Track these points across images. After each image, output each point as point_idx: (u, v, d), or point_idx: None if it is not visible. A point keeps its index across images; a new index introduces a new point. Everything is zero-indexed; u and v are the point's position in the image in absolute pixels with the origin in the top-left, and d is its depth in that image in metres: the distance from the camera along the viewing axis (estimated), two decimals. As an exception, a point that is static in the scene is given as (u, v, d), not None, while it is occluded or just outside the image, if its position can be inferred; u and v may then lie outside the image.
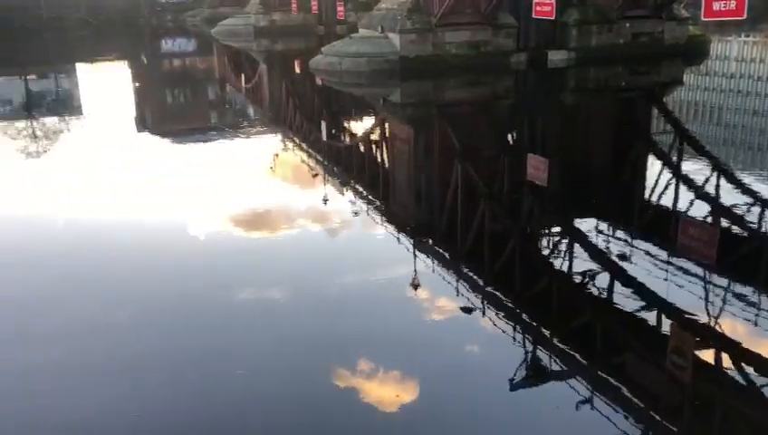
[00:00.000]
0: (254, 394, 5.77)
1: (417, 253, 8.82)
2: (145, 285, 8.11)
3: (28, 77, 32.45)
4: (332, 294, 7.85)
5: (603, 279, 8.09)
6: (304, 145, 16.68)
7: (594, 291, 7.84)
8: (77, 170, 14.09)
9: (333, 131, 18.54)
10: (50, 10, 58.62)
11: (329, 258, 9.05)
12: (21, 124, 19.95)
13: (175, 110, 24.40)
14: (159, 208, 11.27)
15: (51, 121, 20.73)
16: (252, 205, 11.25)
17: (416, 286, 7.83)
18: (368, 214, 10.93)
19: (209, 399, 5.71)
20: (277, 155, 15.46)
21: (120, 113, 21.75)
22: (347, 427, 5.38)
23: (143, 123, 20.51)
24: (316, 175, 13.85)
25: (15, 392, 5.90)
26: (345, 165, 14.63)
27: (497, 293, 7.85)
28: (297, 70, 30.97)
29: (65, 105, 24.45)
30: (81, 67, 37.07)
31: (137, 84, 30.19)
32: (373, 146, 16.24)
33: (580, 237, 9.37)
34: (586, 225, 9.85)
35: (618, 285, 7.87)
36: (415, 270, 8.22)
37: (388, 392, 5.73)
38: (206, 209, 11.05)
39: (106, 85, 29.45)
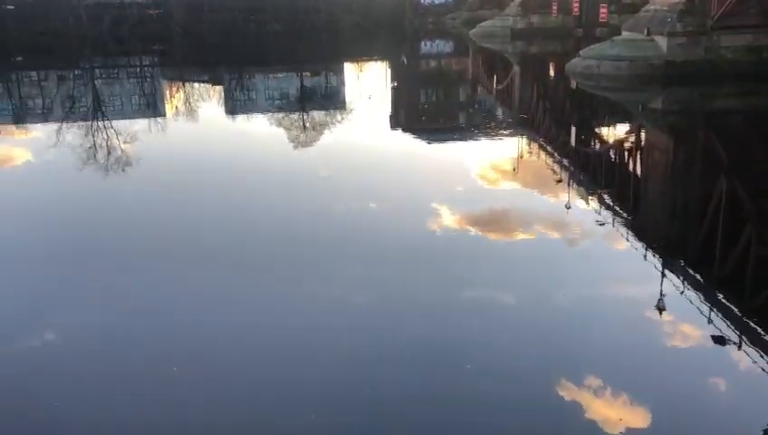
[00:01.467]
0: (491, 399, 5.77)
1: (665, 272, 8.13)
2: (408, 274, 8.51)
3: (303, 74, 36.15)
4: (564, 305, 7.55)
5: None
6: (550, 149, 16.30)
7: None
8: (334, 162, 15.32)
9: (583, 137, 17.86)
10: (327, 13, 64.53)
11: (565, 268, 8.71)
12: (294, 116, 22.26)
13: (427, 109, 25.37)
14: (398, 202, 11.76)
15: (318, 115, 22.83)
16: (490, 205, 11.27)
17: (660, 309, 7.22)
18: (613, 225, 10.32)
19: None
20: (521, 157, 15.30)
21: (377, 110, 23.27)
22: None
23: (397, 121, 21.66)
24: (560, 180, 13.44)
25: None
26: (593, 172, 14.00)
27: (759, 327, 6.93)
28: (551, 72, 30.36)
29: (332, 100, 26.74)
30: (348, 66, 40.32)
31: (394, 84, 31.98)
32: (626, 154, 15.32)
33: None
34: None
35: None
36: (661, 291, 7.58)
37: (612, 413, 5.38)
38: (444, 206, 11.30)
39: (368, 83, 31.61)
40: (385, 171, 14.09)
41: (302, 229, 10.32)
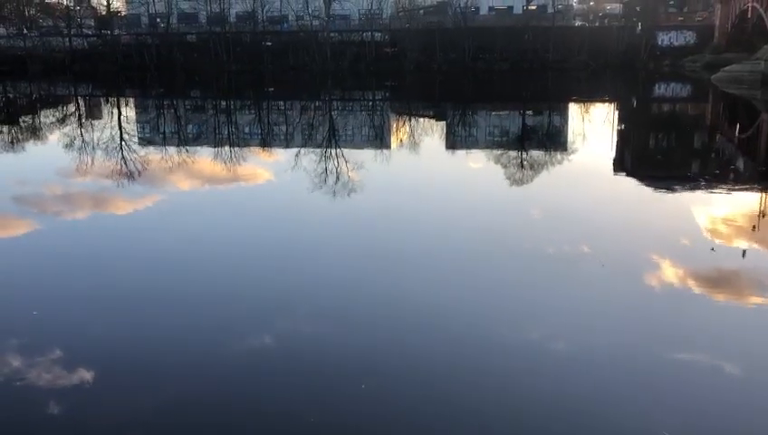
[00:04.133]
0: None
1: None
2: (622, 330, 8.18)
3: (526, 112, 36.10)
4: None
5: None
6: (801, 208, 14.46)
7: None
8: (548, 203, 15.05)
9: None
10: (555, 53, 63.90)
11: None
12: (513, 154, 22.30)
13: (655, 155, 23.90)
14: (614, 250, 11.19)
15: (538, 154, 22.62)
16: (720, 263, 10.29)
17: None
18: None
19: None
20: (763, 214, 13.78)
21: (600, 153, 22.46)
22: None
23: (621, 165, 20.71)
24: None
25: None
26: None
27: None
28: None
29: (553, 140, 26.34)
30: (572, 106, 39.46)
31: (621, 126, 30.63)
32: None
33: None
34: None
35: None
36: None
37: None
38: (665, 259, 10.54)
39: (593, 124, 30.65)
40: (603, 216, 13.55)
41: (516, 271, 10.28)
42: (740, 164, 21.46)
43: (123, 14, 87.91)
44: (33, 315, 8.51)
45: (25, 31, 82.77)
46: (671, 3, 77.64)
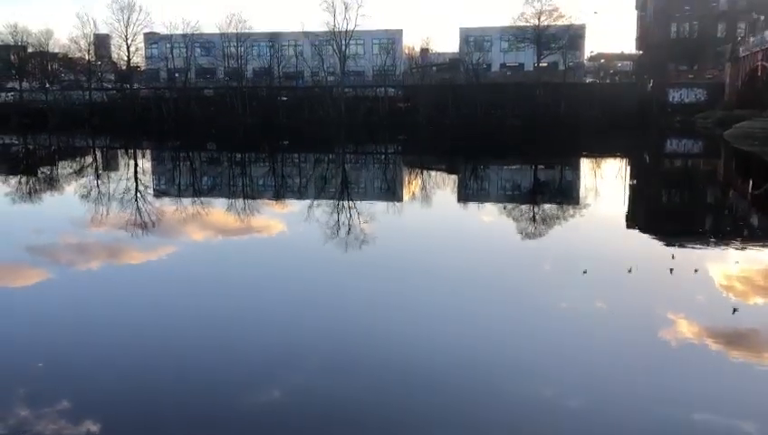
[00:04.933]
0: None
1: None
2: (638, 386, 8.02)
3: (538, 167, 36.28)
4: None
5: None
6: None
7: None
8: (559, 258, 14.97)
9: None
10: (567, 108, 64.62)
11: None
12: (525, 207, 22.32)
13: (668, 210, 23.83)
14: (628, 306, 11.06)
15: (549, 208, 22.62)
16: (736, 320, 10.11)
17: None
18: None
19: None
20: (778, 274, 13.59)
21: (613, 207, 22.43)
22: None
23: (634, 220, 20.63)
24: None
25: None
26: None
27: None
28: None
29: (565, 195, 26.37)
30: (584, 161, 39.65)
31: (634, 181, 30.66)
32: None
33: None
34: None
35: None
36: None
37: None
38: (680, 316, 10.38)
39: (605, 179, 30.69)
40: (616, 272, 13.40)
41: (529, 325, 10.17)
42: (754, 221, 21.33)
43: (143, 68, 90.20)
44: (39, 367, 8.45)
45: (47, 85, 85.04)
46: (681, 61, 78.81)
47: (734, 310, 10.73)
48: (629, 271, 12.98)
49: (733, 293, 12.01)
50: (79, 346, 9.31)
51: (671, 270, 13.56)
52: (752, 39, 60.76)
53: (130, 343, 9.31)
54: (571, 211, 21.85)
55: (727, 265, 14.17)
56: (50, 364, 8.54)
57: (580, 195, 25.67)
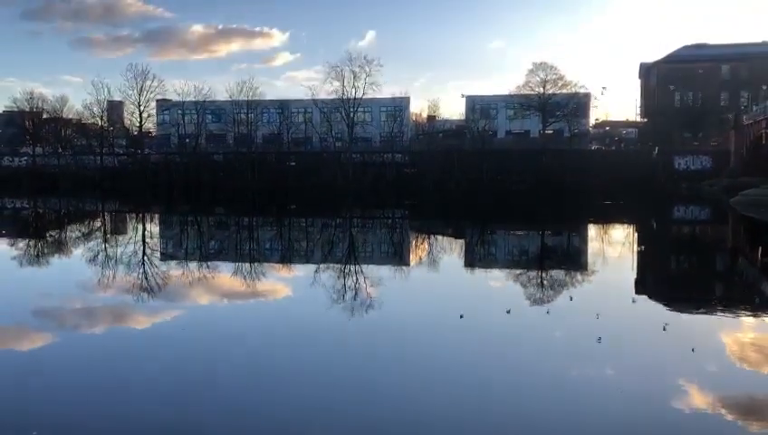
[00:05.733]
0: None
1: None
2: None
3: (545, 232, 36.27)
4: None
5: None
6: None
7: None
8: (567, 324, 14.78)
9: None
10: (573, 174, 65.07)
11: None
12: (532, 274, 22.20)
13: (677, 277, 23.64)
14: (638, 375, 10.82)
15: (557, 274, 22.47)
16: (750, 390, 9.86)
17: None
18: None
19: None
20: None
21: (621, 274, 22.26)
22: None
23: (643, 287, 20.43)
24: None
25: None
26: None
27: None
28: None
29: (573, 260, 26.24)
30: (591, 227, 39.64)
31: (642, 248, 30.54)
32: None
33: None
34: None
35: None
36: None
37: None
38: (692, 385, 10.13)
39: (613, 246, 30.58)
40: (624, 339, 13.19)
41: (536, 394, 9.95)
42: (765, 288, 21.10)
43: (154, 134, 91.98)
44: None
45: (60, 150, 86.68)
46: (685, 128, 79.81)
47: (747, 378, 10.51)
48: (638, 339, 12.77)
49: (746, 361, 11.76)
50: (84, 410, 9.15)
51: (681, 337, 13.34)
52: (755, 108, 61.60)
53: (135, 408, 9.14)
54: (579, 277, 21.69)
55: (740, 333, 13.93)
56: (46, 431, 8.36)
57: (588, 261, 25.54)
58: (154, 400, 9.57)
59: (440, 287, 20.11)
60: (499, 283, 21.10)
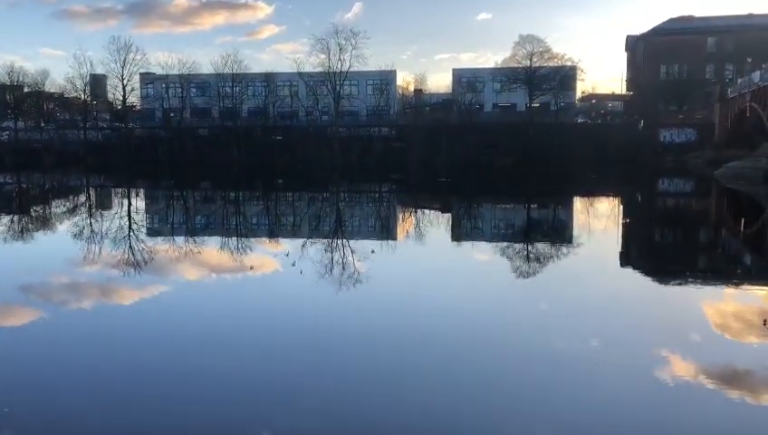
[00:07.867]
0: None
1: None
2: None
3: (531, 206, 36.46)
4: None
5: None
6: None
7: None
8: (553, 296, 14.94)
9: None
10: (559, 148, 65.20)
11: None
12: (519, 246, 22.36)
13: (661, 249, 23.91)
14: (622, 344, 10.99)
15: (543, 247, 22.65)
16: (731, 359, 10.05)
17: None
18: None
19: None
20: (771, 315, 13.56)
21: (606, 246, 22.48)
22: None
23: (627, 259, 20.66)
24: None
25: None
26: None
27: None
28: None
29: (559, 234, 26.44)
30: (577, 200, 39.88)
31: (627, 220, 30.80)
32: None
33: None
34: None
35: None
36: None
37: None
38: (675, 355, 10.32)
39: (598, 218, 30.82)
40: (609, 311, 13.39)
41: (523, 365, 10.09)
42: (746, 259, 21.40)
43: (138, 108, 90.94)
44: (4, 412, 8.23)
45: (43, 124, 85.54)
46: (671, 101, 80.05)
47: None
48: (623, 310, 12.95)
49: (728, 331, 11.97)
50: (66, 385, 9.17)
51: (665, 308, 13.55)
52: (740, 80, 61.86)
53: (119, 383, 9.17)
54: (565, 250, 21.87)
55: (722, 303, 14.16)
56: (34, 405, 8.39)
57: (574, 234, 25.75)
58: (139, 374, 9.58)
59: (426, 260, 20.22)
60: (486, 256, 21.23)
